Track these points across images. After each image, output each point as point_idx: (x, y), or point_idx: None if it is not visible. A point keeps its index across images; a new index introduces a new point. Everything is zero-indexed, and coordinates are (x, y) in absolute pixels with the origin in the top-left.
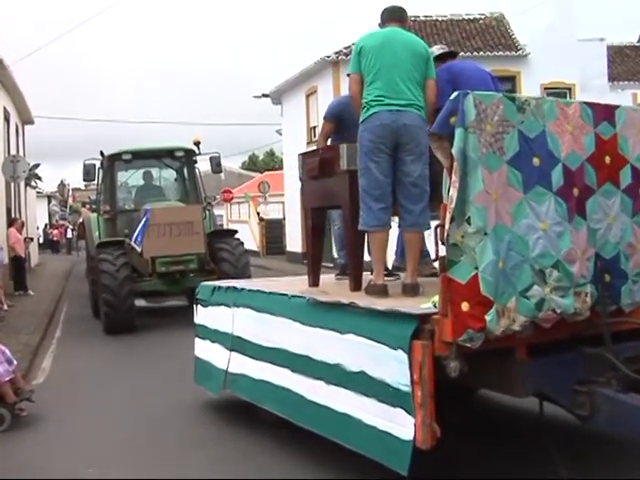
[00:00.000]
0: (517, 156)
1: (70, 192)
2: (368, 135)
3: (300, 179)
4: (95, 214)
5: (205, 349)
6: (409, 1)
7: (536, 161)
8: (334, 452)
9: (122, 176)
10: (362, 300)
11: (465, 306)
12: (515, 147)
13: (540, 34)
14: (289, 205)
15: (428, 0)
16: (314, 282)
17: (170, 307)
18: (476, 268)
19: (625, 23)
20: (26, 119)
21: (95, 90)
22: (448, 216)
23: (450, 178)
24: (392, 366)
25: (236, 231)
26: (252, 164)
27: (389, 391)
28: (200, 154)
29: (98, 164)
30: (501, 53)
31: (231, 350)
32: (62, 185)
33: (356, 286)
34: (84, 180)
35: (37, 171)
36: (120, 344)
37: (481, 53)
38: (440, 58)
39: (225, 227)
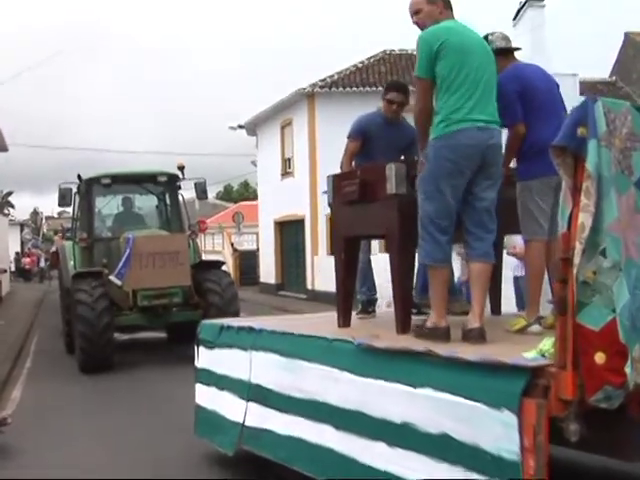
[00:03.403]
0: None
1: (43, 220)
2: (450, 154)
3: (329, 205)
4: (70, 242)
5: (210, 397)
6: (384, 34)
7: None
8: None
9: (100, 202)
10: (419, 344)
11: (600, 357)
12: None
13: None
14: (263, 236)
15: (403, 34)
16: (345, 323)
17: (146, 340)
18: (613, 311)
19: (597, 59)
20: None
21: (72, 118)
22: (578, 247)
23: (574, 200)
24: (491, 429)
25: (223, 262)
26: (226, 194)
27: (485, 459)
28: (184, 179)
29: (75, 188)
30: None
31: (248, 400)
32: (35, 213)
33: (404, 328)
34: (59, 205)
35: (10, 199)
36: (95, 378)
37: None
38: (500, 52)
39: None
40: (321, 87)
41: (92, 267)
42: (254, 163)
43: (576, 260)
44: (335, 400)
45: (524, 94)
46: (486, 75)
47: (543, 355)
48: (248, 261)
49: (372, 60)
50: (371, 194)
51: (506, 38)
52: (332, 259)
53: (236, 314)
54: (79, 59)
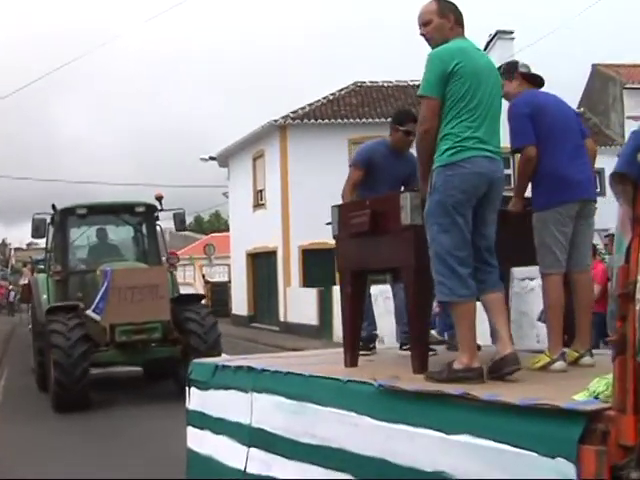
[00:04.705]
0: None
1: (12, 252)
2: (460, 183)
3: (334, 237)
4: (43, 275)
5: (205, 442)
6: (355, 66)
7: None
8: None
9: (75, 233)
10: (448, 387)
11: None
12: None
13: None
14: (235, 268)
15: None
16: (352, 362)
17: (122, 376)
18: None
19: (565, 90)
20: None
21: (44, 148)
22: None
23: (634, 231)
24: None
25: (203, 296)
26: (197, 225)
27: None
28: (162, 210)
29: (49, 219)
30: None
31: (250, 446)
32: (3, 244)
33: (422, 368)
34: (32, 236)
35: None
36: (70, 417)
37: None
38: (524, 77)
39: None
40: (293, 119)
41: (66, 301)
42: (226, 195)
43: (638, 295)
44: (354, 447)
45: (536, 119)
46: (495, 103)
47: (596, 397)
48: (220, 293)
49: (343, 92)
50: (383, 225)
51: (525, 66)
52: (304, 290)
53: (217, 344)
54: (52, 89)
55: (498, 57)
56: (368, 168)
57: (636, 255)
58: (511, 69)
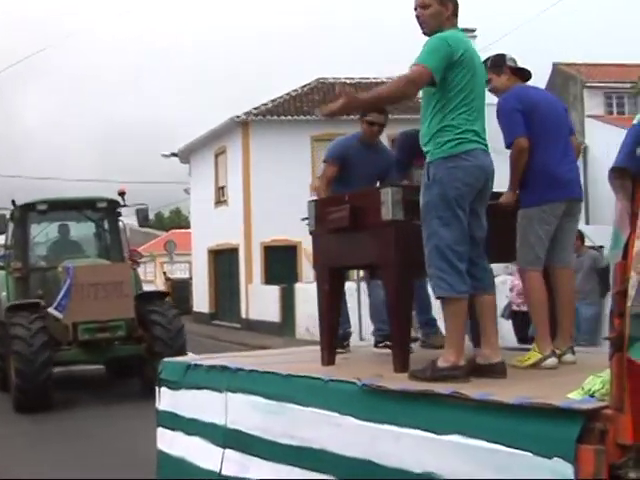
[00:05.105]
0: None
1: None
2: (464, 176)
3: (311, 232)
4: (3, 272)
5: (176, 443)
6: (317, 63)
7: None
8: None
9: (35, 229)
10: (436, 386)
11: None
12: None
13: None
14: (196, 265)
15: (337, 62)
16: (329, 360)
17: (84, 374)
18: None
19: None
20: None
21: (3, 143)
22: (635, 278)
23: (632, 227)
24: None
25: (167, 293)
26: (158, 222)
27: None
28: (125, 205)
29: (8, 215)
30: (409, 116)
31: (225, 447)
32: None
33: (403, 367)
34: None
35: None
36: (32, 418)
37: (390, 116)
38: (513, 71)
39: None
40: (255, 115)
41: (27, 298)
42: (187, 191)
43: (631, 292)
44: (337, 448)
45: (526, 114)
46: (484, 98)
47: (592, 396)
48: (181, 290)
49: (306, 88)
50: (363, 221)
51: (514, 60)
52: (266, 288)
53: (182, 348)
54: (10, 83)
55: None
56: (342, 163)
57: (632, 251)
58: (499, 62)
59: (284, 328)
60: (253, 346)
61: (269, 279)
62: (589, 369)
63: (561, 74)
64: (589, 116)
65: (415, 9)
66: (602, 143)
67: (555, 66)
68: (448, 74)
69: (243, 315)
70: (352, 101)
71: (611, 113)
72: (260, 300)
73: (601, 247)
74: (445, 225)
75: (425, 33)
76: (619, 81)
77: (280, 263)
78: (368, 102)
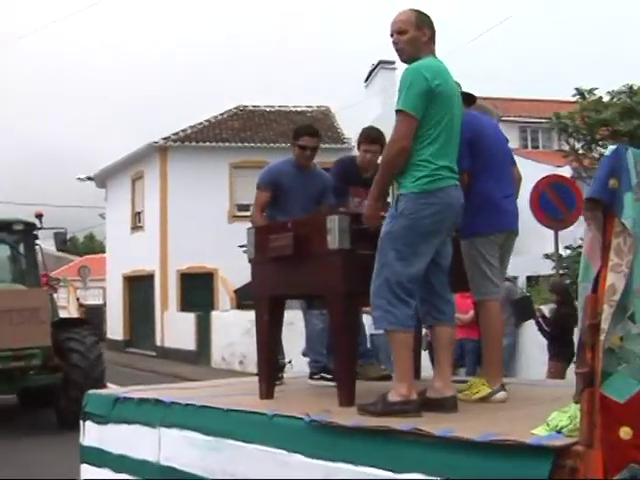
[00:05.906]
0: None
1: None
2: (434, 213)
3: (250, 260)
4: None
5: None
6: (238, 90)
7: None
8: None
9: None
10: (389, 421)
11: (626, 433)
12: None
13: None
14: (111, 291)
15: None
16: (268, 393)
17: None
18: None
19: None
20: None
21: None
22: (608, 311)
23: (603, 260)
24: None
25: (86, 321)
26: (72, 247)
27: None
28: (42, 228)
29: None
30: (327, 145)
31: None
32: None
33: (350, 401)
34: None
35: None
36: None
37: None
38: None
39: None
40: (174, 141)
41: None
42: (102, 216)
43: (604, 325)
44: None
45: (474, 142)
46: (458, 127)
47: (559, 432)
48: (94, 317)
49: (225, 115)
50: (307, 249)
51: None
52: (182, 315)
53: (101, 376)
54: None
55: (380, 88)
56: (275, 189)
57: (604, 284)
58: None
59: (200, 356)
60: (167, 374)
61: (185, 306)
62: (537, 401)
63: (478, 108)
64: None
65: (392, 35)
66: None
67: None
68: (425, 105)
69: (158, 343)
70: (372, 205)
71: (526, 147)
72: (175, 328)
73: (515, 278)
74: (401, 259)
75: (403, 60)
76: (534, 116)
77: (196, 290)
78: (381, 188)
